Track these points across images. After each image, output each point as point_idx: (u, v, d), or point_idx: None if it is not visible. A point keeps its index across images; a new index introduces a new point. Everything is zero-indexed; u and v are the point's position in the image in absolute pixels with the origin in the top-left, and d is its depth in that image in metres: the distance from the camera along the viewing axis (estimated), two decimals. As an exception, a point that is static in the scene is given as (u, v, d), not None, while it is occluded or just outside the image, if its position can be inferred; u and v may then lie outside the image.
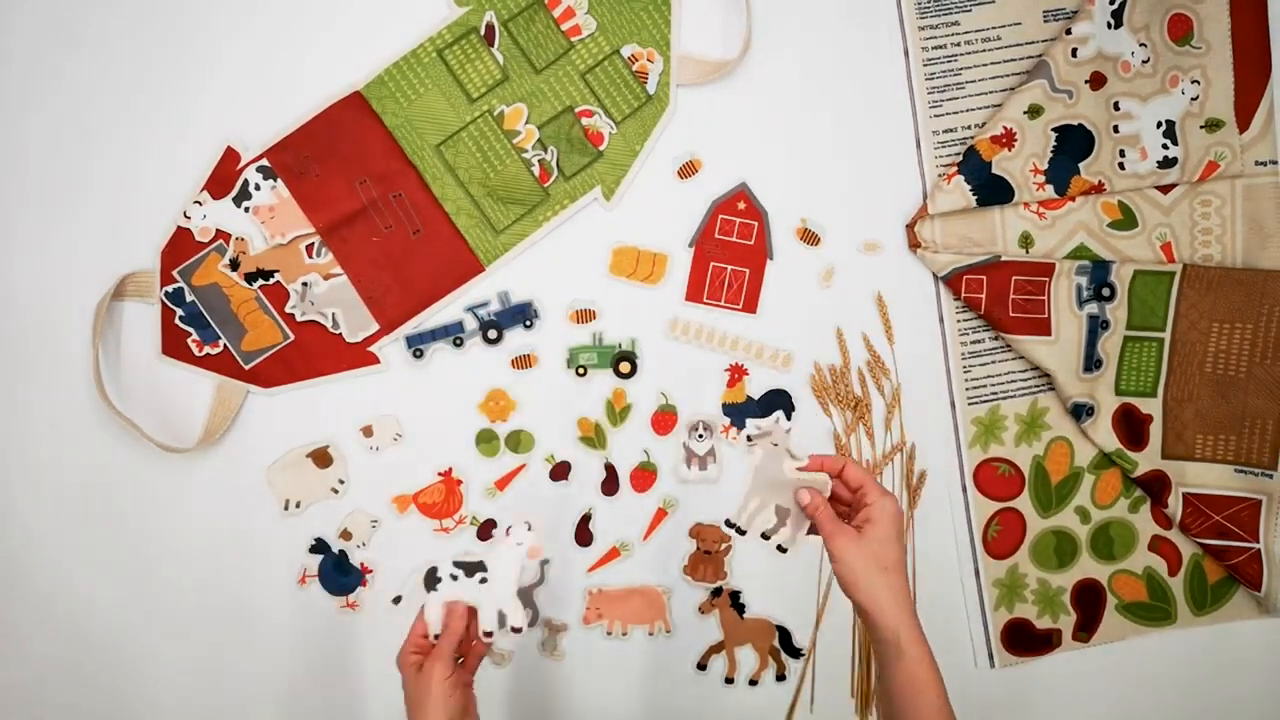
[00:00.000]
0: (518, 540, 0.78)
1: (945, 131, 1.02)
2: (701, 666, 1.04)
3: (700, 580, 1.03)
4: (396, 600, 0.81)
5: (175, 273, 0.97)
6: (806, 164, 1.02)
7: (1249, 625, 1.06)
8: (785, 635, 1.04)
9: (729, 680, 1.04)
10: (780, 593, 1.04)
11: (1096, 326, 1.01)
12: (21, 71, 0.96)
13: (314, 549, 1.01)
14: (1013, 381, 1.04)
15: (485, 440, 1.02)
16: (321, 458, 1.01)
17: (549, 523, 1.02)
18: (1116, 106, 0.99)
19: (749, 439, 0.80)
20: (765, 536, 0.80)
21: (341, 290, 0.99)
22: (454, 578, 0.77)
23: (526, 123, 0.99)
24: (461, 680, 0.74)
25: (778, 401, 1.03)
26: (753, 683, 1.04)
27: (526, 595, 1.01)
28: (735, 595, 1.04)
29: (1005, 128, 0.98)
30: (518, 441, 1.02)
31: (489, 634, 0.75)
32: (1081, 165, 0.99)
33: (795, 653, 1.04)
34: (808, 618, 1.04)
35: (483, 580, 0.77)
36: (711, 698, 1.04)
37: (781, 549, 0.80)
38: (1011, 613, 1.05)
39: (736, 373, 1.03)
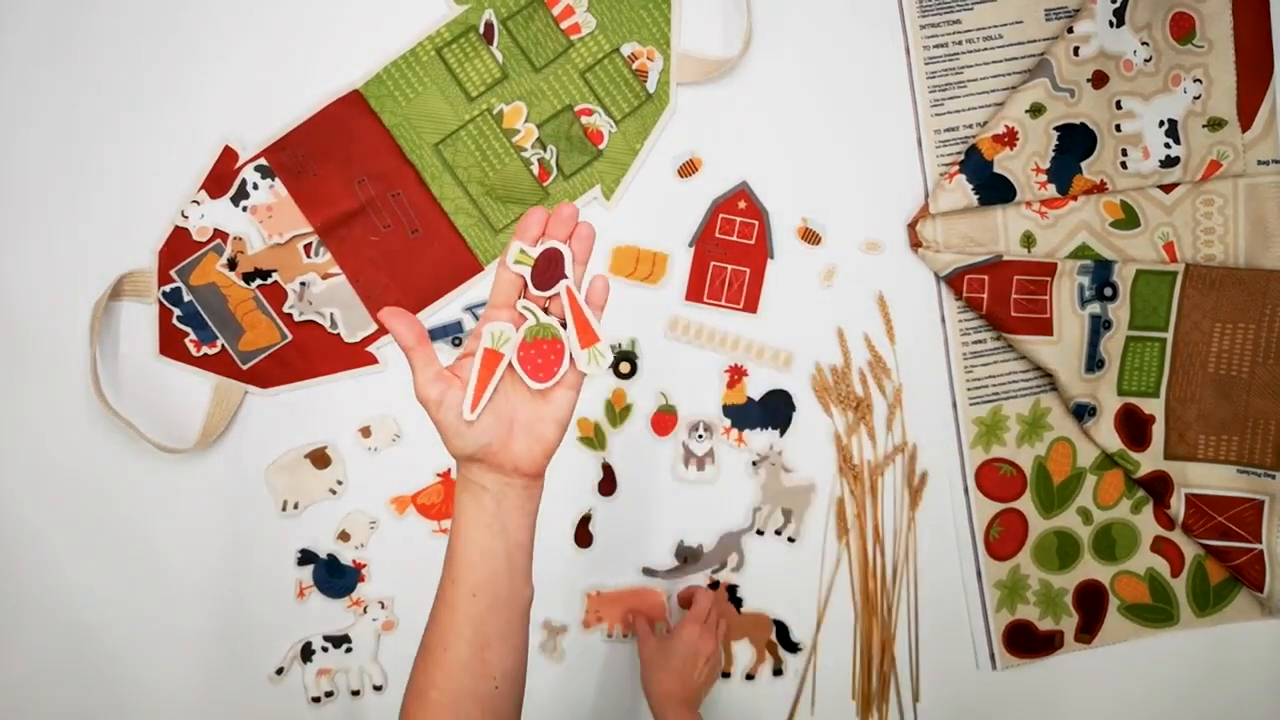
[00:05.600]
0: (373, 616, 0.99)
1: (947, 130, 1.01)
2: (699, 663, 1.04)
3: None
4: (279, 671, 1.00)
5: (173, 272, 0.97)
6: (807, 163, 1.01)
7: (1252, 627, 1.06)
8: (783, 630, 1.04)
9: (725, 675, 1.04)
10: (779, 588, 1.03)
11: (1099, 326, 1.00)
12: (17, 71, 0.96)
13: (302, 560, 1.00)
14: (1014, 382, 1.04)
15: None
16: (320, 458, 1.00)
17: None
18: (1119, 105, 0.99)
19: (754, 463, 1.02)
20: (778, 533, 1.03)
21: (340, 290, 0.98)
22: (325, 649, 0.99)
23: (526, 121, 0.98)
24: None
25: (778, 402, 1.02)
26: (749, 677, 1.04)
27: None
28: (733, 590, 1.03)
29: (1007, 126, 0.98)
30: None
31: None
32: (1084, 164, 0.99)
33: (793, 648, 1.04)
34: (807, 614, 1.04)
35: (348, 650, 0.99)
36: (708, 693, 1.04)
37: (790, 539, 1.03)
38: (1013, 614, 1.05)
39: (736, 373, 1.02)
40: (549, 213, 0.58)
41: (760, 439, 1.03)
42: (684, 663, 0.90)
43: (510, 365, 0.56)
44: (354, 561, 1.01)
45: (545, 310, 0.57)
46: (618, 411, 1.02)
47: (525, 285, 0.57)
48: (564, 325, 0.57)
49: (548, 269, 0.56)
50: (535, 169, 0.98)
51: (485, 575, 0.58)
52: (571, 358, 0.57)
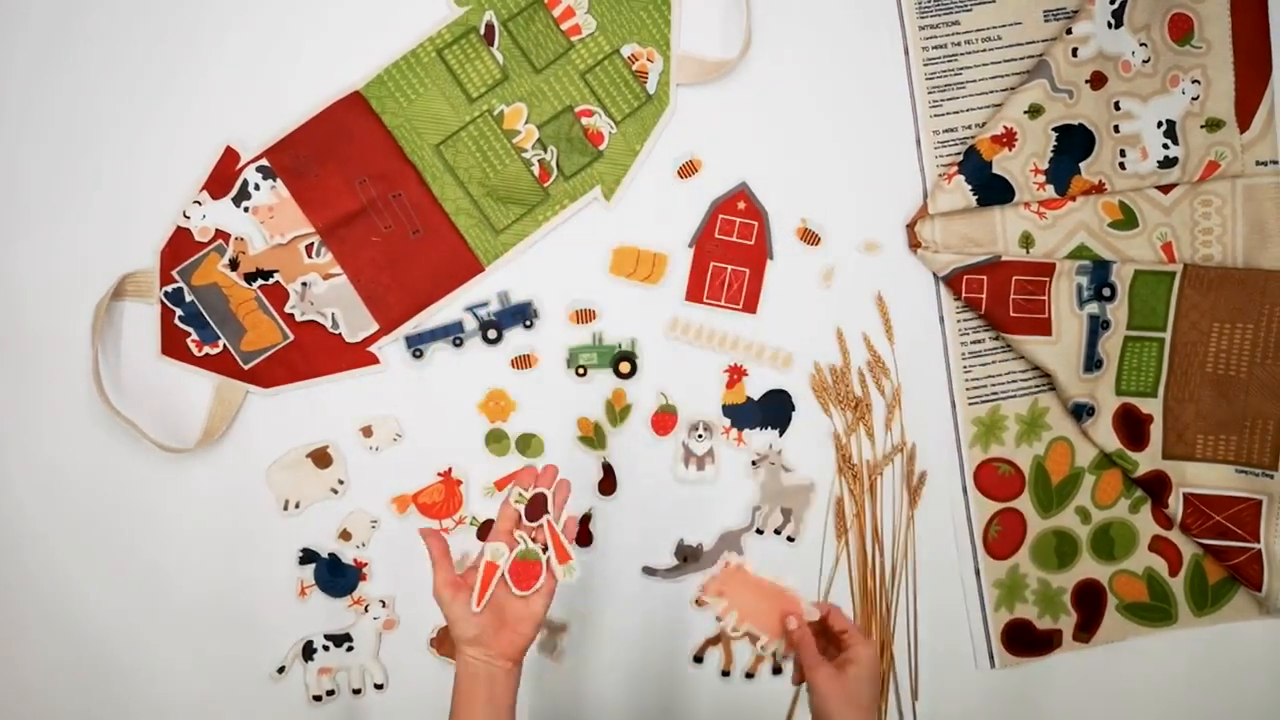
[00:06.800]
0: (374, 615, 1.01)
1: (945, 131, 1.02)
2: (698, 659, 1.04)
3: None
4: (281, 670, 1.00)
5: (175, 273, 0.97)
6: (807, 163, 1.02)
7: (1250, 626, 1.06)
8: (783, 631, 1.04)
9: (725, 673, 1.04)
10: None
11: (1097, 326, 1.01)
12: (20, 71, 0.96)
13: (304, 559, 1.01)
14: (1013, 381, 1.04)
15: (495, 440, 1.01)
16: (321, 458, 1.00)
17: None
18: (1117, 106, 0.99)
19: (754, 463, 1.02)
20: (778, 532, 1.03)
21: (341, 290, 0.99)
22: (326, 648, 1.01)
23: (526, 122, 0.98)
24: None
25: (778, 402, 1.03)
26: (749, 676, 1.04)
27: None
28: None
29: (1006, 127, 0.98)
30: (527, 445, 1.02)
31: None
32: (1082, 165, 0.99)
33: None
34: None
35: (349, 649, 1.01)
36: (708, 691, 1.04)
37: (790, 539, 1.03)
38: (1012, 613, 1.05)
39: (736, 373, 1.02)
40: (538, 471, 0.82)
41: (760, 439, 1.03)
42: (875, 692, 0.79)
43: (503, 577, 0.77)
44: (355, 560, 1.01)
45: (532, 538, 0.79)
46: (618, 411, 1.02)
47: (519, 517, 0.80)
48: (545, 548, 0.78)
49: (537, 507, 0.80)
50: (536, 170, 0.99)
51: None
52: (549, 569, 0.77)
